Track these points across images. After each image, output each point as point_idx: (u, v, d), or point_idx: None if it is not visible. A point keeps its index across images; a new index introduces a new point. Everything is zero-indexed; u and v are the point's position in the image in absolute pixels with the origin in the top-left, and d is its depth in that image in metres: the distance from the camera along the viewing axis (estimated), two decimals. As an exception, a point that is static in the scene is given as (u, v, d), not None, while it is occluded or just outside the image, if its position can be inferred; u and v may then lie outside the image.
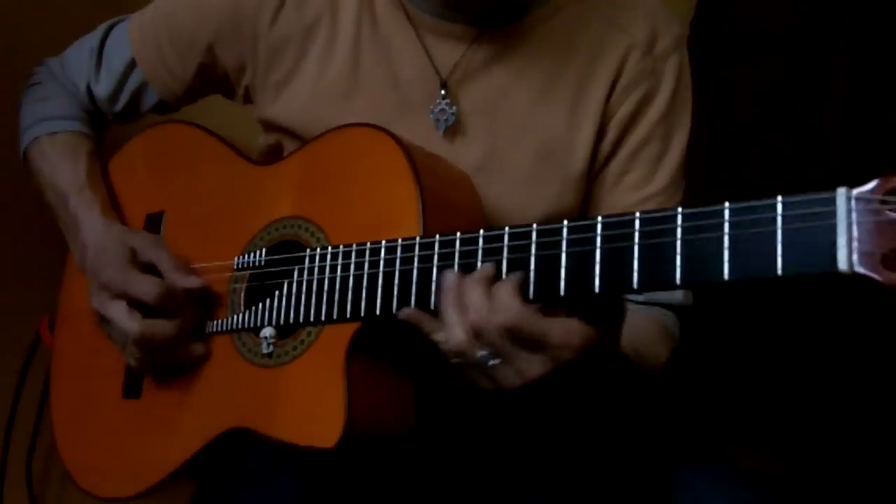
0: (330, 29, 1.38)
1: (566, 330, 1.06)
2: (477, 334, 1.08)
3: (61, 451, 1.49)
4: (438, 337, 1.12)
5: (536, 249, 1.08)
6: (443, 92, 1.35)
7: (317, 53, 1.38)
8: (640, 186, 1.38)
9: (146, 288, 1.32)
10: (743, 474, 1.24)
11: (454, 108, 1.34)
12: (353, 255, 1.21)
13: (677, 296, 1.39)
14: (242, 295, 1.33)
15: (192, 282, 1.34)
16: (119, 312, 1.33)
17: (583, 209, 1.39)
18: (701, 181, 1.80)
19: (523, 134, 1.35)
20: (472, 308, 1.08)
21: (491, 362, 1.09)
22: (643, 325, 1.34)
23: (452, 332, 1.09)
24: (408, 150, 1.22)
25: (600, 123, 1.36)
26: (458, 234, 1.14)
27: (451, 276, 1.11)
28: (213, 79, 1.47)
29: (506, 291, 1.07)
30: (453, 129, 1.35)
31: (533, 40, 1.36)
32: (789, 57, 2.03)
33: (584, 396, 1.23)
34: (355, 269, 1.21)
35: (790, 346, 2.00)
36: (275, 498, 1.17)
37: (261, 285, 1.31)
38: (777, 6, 2.05)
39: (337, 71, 1.37)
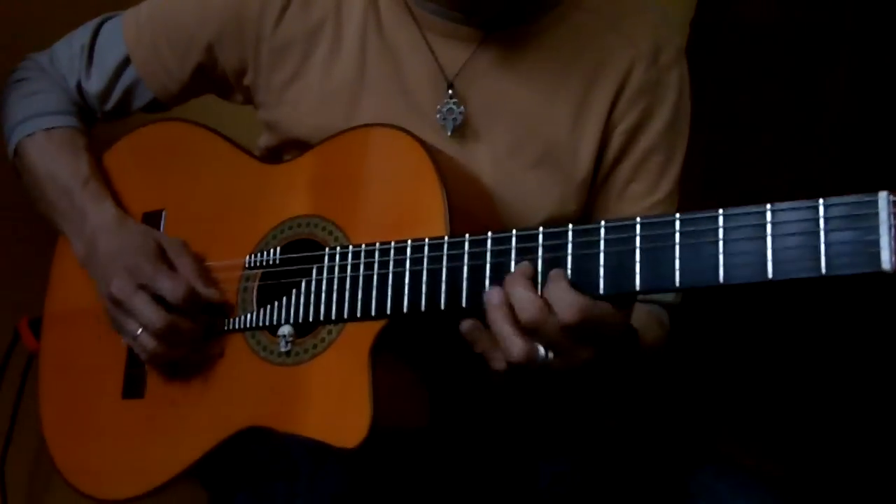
0: (335, 31, 1.38)
1: (613, 316, 1.09)
2: (532, 332, 1.08)
3: (54, 453, 1.46)
4: (495, 355, 1.11)
5: (573, 249, 1.09)
6: (450, 92, 1.35)
7: (321, 56, 1.38)
8: (646, 194, 1.39)
9: (173, 285, 1.31)
10: (765, 480, 1.25)
11: (462, 107, 1.35)
12: (378, 253, 1.21)
13: (668, 295, 1.41)
14: (255, 293, 1.33)
15: (212, 293, 1.33)
16: (143, 302, 1.31)
17: (586, 216, 1.41)
18: (700, 182, 1.83)
19: (527, 137, 1.36)
20: (520, 306, 1.08)
21: (548, 357, 1.09)
22: (639, 315, 1.35)
23: (513, 345, 1.09)
24: (430, 150, 1.23)
25: (604, 131, 1.37)
26: (490, 233, 1.14)
27: (495, 291, 1.10)
28: (211, 78, 1.46)
29: (562, 288, 1.07)
30: (461, 130, 1.35)
31: (539, 45, 1.37)
32: (789, 57, 2.04)
33: (600, 384, 1.26)
34: (380, 268, 1.21)
35: (790, 347, 2.00)
36: (321, 492, 1.16)
37: (275, 284, 1.31)
38: (777, 6, 2.06)
39: (343, 73, 1.37)
